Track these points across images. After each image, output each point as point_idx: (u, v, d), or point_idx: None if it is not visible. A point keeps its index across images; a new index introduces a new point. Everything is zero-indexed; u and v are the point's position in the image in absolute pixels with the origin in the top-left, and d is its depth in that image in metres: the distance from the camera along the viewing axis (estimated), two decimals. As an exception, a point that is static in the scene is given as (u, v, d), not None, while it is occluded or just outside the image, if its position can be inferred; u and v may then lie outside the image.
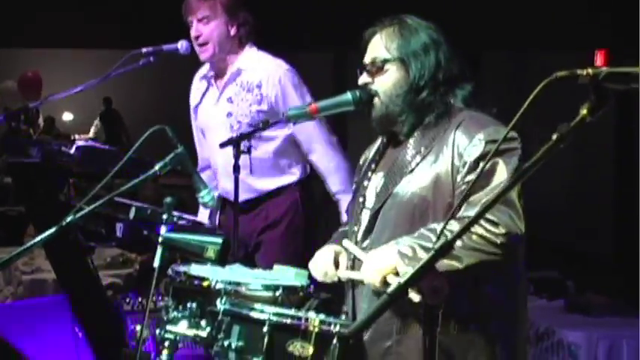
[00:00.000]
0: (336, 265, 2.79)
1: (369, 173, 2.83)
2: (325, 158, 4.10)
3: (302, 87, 4.06)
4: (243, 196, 3.78)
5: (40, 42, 8.55)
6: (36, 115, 7.69)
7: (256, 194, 4.07)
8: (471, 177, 2.50)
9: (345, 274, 2.74)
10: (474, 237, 2.41)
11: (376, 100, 2.74)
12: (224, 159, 3.89)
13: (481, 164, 2.48)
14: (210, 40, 4.04)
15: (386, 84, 2.72)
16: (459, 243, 2.36)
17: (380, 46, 2.74)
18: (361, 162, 2.99)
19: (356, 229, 2.77)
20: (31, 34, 8.15)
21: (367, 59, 2.77)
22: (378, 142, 2.92)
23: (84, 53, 8.78)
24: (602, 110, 1.79)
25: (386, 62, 2.72)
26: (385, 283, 2.43)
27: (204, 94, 4.27)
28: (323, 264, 2.79)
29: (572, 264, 6.38)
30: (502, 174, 2.48)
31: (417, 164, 2.64)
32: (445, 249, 1.90)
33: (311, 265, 2.84)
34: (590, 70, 1.79)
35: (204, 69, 4.27)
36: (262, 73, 4.05)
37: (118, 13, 7.60)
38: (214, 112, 4.19)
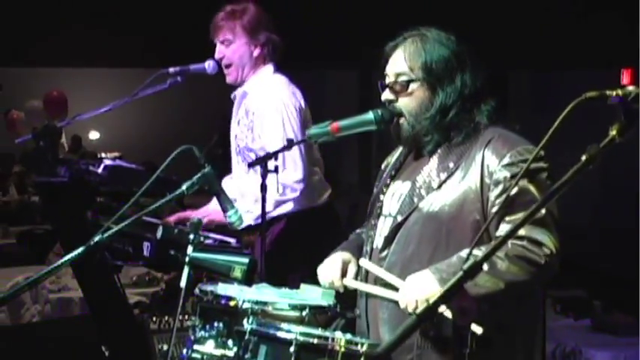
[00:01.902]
0: (344, 273, 2.82)
1: (388, 180, 2.84)
2: None
3: (291, 117, 3.98)
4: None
5: (65, 61, 8.65)
6: (59, 135, 7.75)
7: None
8: (504, 196, 2.52)
9: (352, 283, 2.77)
10: (518, 259, 2.44)
11: (402, 120, 2.74)
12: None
13: (512, 183, 2.49)
14: (233, 63, 4.08)
15: (411, 104, 2.72)
16: (502, 265, 2.40)
17: (402, 63, 2.73)
18: (382, 167, 3.01)
19: (372, 234, 2.79)
20: (56, 53, 8.24)
21: (390, 75, 2.76)
22: (400, 149, 2.92)
23: (110, 72, 8.86)
24: (631, 131, 1.81)
25: (411, 82, 2.71)
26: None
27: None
28: (330, 271, 2.82)
29: (598, 283, 6.34)
30: (534, 192, 2.50)
31: (444, 181, 2.64)
32: (474, 270, 1.91)
33: (319, 270, 2.87)
34: (619, 91, 1.81)
35: None
36: (258, 100, 4.06)
37: (144, 31, 7.67)
38: (232, 133, 4.25)
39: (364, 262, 2.74)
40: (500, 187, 2.55)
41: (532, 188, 2.50)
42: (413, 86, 2.70)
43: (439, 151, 2.70)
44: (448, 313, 2.32)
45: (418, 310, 1.92)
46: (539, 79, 9.23)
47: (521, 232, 2.37)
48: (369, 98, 8.19)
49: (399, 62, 2.73)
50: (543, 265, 2.44)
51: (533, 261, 2.44)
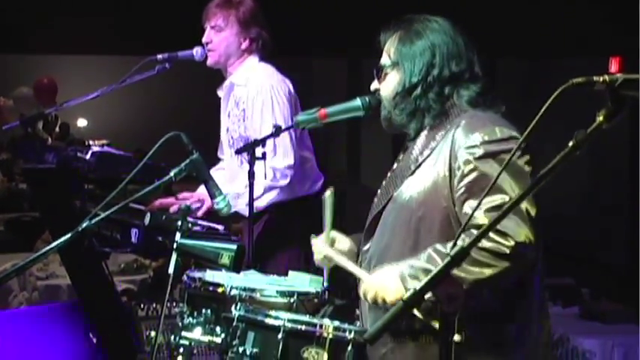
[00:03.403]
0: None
1: (389, 173, 2.82)
2: None
3: (281, 104, 4.01)
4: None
5: (54, 48, 8.60)
6: (55, 121, 7.74)
7: None
8: (467, 180, 2.45)
9: (328, 251, 2.72)
10: (482, 252, 2.35)
11: (382, 106, 2.74)
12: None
13: (477, 165, 2.43)
14: (217, 49, 4.09)
15: (387, 90, 2.71)
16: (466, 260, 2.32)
17: (385, 52, 2.74)
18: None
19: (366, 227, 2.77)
20: (45, 40, 8.19)
21: (379, 65, 2.77)
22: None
23: (98, 60, 8.82)
24: (618, 117, 1.78)
25: (386, 68, 2.72)
26: (383, 301, 2.42)
27: (221, 99, 4.31)
28: (321, 245, 2.78)
29: (586, 271, 6.34)
30: (492, 176, 2.37)
31: (417, 167, 2.60)
32: (461, 256, 1.90)
33: (312, 242, 2.82)
34: (606, 77, 1.78)
35: None
36: (247, 89, 4.08)
37: (132, 19, 7.64)
38: (222, 127, 4.27)
39: (342, 260, 2.68)
40: (460, 172, 2.47)
41: (492, 172, 2.39)
42: (387, 71, 2.70)
43: (421, 137, 2.68)
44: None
45: (405, 296, 1.87)
46: (528, 66, 9.23)
47: (486, 221, 2.29)
48: (357, 86, 8.17)
49: (384, 52, 2.75)
50: (510, 256, 2.34)
51: (497, 252, 2.35)
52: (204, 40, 4.11)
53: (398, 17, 2.76)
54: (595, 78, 1.79)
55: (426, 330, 2.43)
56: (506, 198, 2.35)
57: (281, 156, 3.92)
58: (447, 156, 2.51)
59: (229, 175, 4.16)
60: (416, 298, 1.89)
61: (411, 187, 2.57)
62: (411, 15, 2.75)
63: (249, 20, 4.08)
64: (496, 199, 2.36)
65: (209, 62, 4.13)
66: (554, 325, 4.72)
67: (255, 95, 4.00)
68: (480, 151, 2.45)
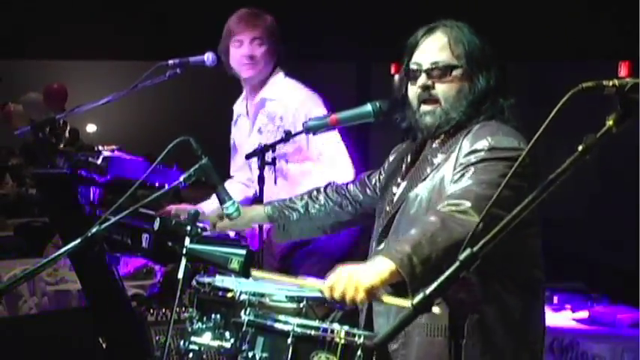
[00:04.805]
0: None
1: (399, 179, 2.83)
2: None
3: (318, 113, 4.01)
4: None
5: (64, 54, 8.63)
6: (63, 126, 7.75)
7: None
8: (461, 167, 2.55)
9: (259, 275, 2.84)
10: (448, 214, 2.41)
11: (434, 106, 2.70)
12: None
13: (474, 162, 2.50)
14: (261, 61, 4.17)
15: (450, 91, 2.68)
16: (432, 238, 2.35)
17: (443, 48, 2.70)
18: (391, 158, 3.00)
19: (375, 229, 2.84)
20: (55, 45, 8.22)
21: (424, 60, 2.72)
22: (407, 144, 2.92)
23: (108, 65, 8.84)
24: (628, 121, 1.79)
25: (453, 69, 2.69)
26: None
27: (239, 116, 4.40)
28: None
29: (597, 275, 6.34)
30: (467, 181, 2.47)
31: (432, 171, 2.66)
32: (470, 261, 1.89)
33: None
34: (616, 81, 1.78)
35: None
36: (284, 105, 4.14)
37: (143, 24, 7.66)
38: (249, 144, 4.21)
39: (256, 273, 2.78)
40: (459, 165, 2.55)
41: (488, 170, 2.47)
42: (455, 73, 2.68)
43: (436, 141, 2.71)
44: (436, 310, 2.29)
45: (415, 301, 1.86)
46: (537, 70, 9.19)
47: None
48: (367, 91, 8.17)
49: (441, 48, 2.70)
50: (467, 210, 2.40)
51: (459, 210, 2.40)
52: (245, 53, 4.16)
53: (411, 25, 2.77)
54: (605, 82, 1.80)
55: (434, 324, 2.47)
56: (488, 193, 2.38)
57: (342, 167, 4.02)
58: (453, 160, 2.58)
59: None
60: (425, 303, 1.88)
61: (422, 189, 2.63)
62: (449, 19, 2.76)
63: (276, 33, 4.20)
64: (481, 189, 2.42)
65: (249, 73, 4.19)
66: (564, 330, 4.78)
67: (297, 107, 4.09)
68: (483, 155, 2.52)
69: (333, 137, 3.92)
